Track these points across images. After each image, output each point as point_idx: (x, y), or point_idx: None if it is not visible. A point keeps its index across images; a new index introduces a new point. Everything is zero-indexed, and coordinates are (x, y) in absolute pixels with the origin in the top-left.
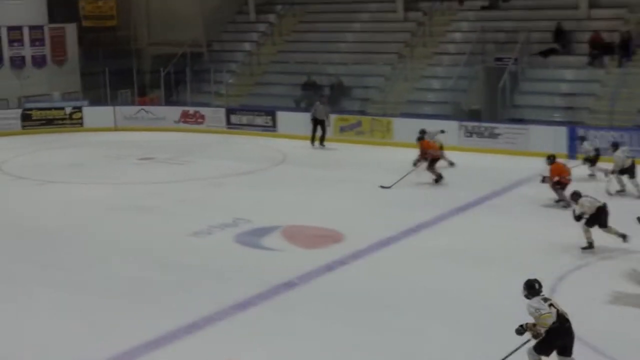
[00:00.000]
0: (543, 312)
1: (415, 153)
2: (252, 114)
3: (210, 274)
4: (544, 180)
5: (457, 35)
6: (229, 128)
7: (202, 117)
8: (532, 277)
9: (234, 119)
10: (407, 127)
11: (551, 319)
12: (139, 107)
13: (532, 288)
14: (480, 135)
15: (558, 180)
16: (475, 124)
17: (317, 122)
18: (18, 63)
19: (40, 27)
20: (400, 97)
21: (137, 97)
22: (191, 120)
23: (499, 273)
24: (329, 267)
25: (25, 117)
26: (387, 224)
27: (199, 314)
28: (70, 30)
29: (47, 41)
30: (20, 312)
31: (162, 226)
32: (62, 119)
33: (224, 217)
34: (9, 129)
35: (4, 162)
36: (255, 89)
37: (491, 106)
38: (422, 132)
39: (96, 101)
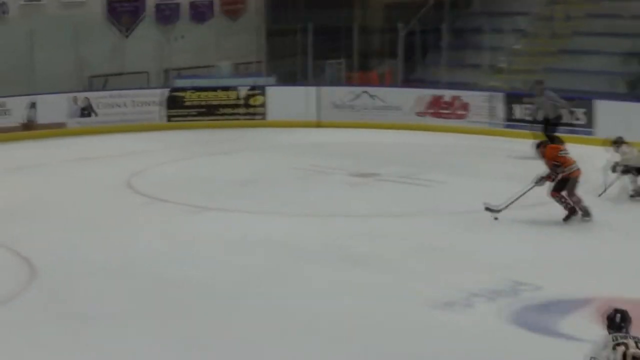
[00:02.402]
0: None
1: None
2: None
3: None
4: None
5: None
6: (507, 127)
7: (465, 106)
8: None
9: (518, 111)
10: None
11: None
12: (359, 89)
13: (611, 321)
14: None
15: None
16: None
17: None
18: (167, 15)
19: None
20: None
21: (355, 72)
22: (445, 112)
23: None
24: None
25: (173, 102)
26: None
27: None
28: None
29: None
30: None
31: (391, 290)
32: (233, 107)
33: (492, 278)
34: (147, 121)
35: (137, 175)
36: (558, 61)
37: None
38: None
39: (288, 78)
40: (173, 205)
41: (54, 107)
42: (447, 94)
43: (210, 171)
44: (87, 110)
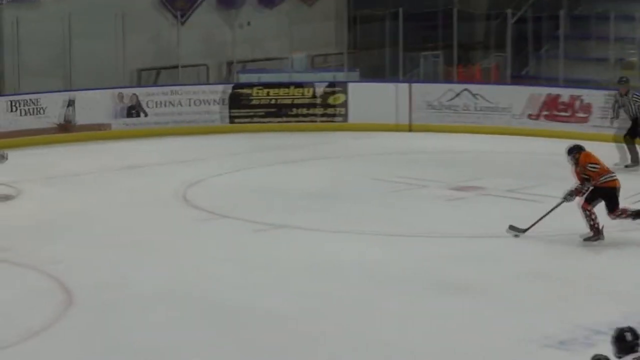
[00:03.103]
0: None
1: None
2: None
3: None
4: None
5: None
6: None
7: (586, 108)
8: None
9: None
10: None
11: None
12: (459, 86)
13: (622, 341)
14: None
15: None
16: None
17: None
18: None
19: None
20: None
21: (454, 66)
22: (563, 114)
23: None
24: None
25: (237, 101)
26: None
27: None
28: None
29: None
30: None
31: (495, 324)
32: (308, 106)
33: (619, 311)
34: (206, 122)
35: (194, 186)
36: None
37: None
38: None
39: (374, 73)
40: (236, 221)
41: (95, 105)
42: (565, 93)
43: (279, 182)
44: (134, 110)
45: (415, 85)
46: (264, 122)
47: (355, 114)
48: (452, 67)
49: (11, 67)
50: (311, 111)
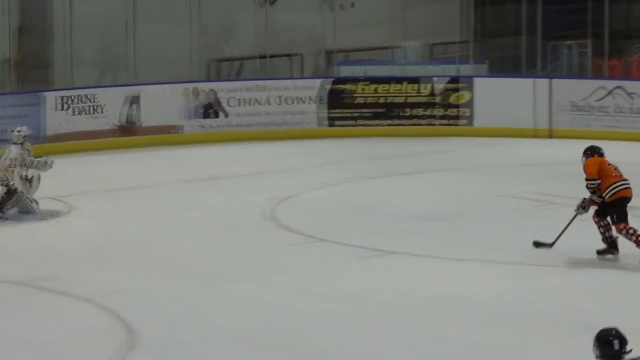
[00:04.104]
0: None
1: None
2: None
3: None
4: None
5: None
6: None
7: None
8: None
9: None
10: None
11: None
12: (611, 83)
13: (608, 345)
14: None
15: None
16: None
17: None
18: None
19: None
20: None
21: (606, 59)
22: None
23: None
24: None
25: (337, 99)
26: None
27: None
28: None
29: None
30: None
31: None
32: (424, 106)
33: None
34: (300, 124)
35: (284, 202)
36: None
37: None
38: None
39: (506, 67)
40: (335, 246)
41: (164, 103)
42: None
43: (388, 199)
44: (212, 109)
45: (556, 82)
46: (370, 126)
47: (482, 116)
48: (602, 59)
49: (62, 55)
50: (428, 112)
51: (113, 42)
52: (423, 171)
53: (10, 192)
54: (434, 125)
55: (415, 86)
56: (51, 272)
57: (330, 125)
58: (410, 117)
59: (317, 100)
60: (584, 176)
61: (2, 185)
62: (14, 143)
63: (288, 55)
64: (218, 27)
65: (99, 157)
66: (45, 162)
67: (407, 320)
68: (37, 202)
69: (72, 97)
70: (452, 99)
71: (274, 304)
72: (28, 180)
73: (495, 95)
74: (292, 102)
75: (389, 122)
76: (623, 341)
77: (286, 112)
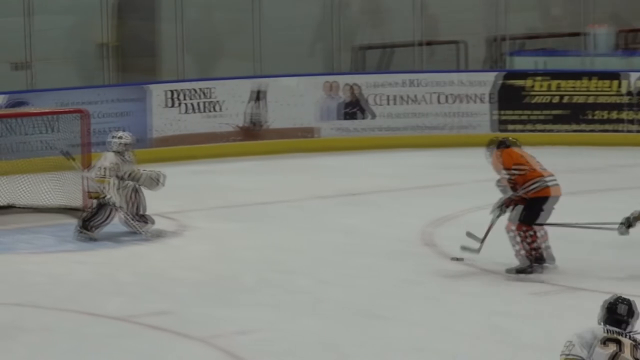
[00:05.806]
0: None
1: None
2: None
3: None
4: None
5: None
6: None
7: None
8: None
9: None
10: None
11: None
12: None
13: (612, 312)
14: None
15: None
16: None
17: None
18: None
19: None
20: None
21: None
22: None
23: None
24: None
25: (508, 97)
26: None
27: None
28: None
29: None
30: None
31: None
32: (617, 108)
33: None
34: (465, 130)
35: (443, 224)
36: None
37: None
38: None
39: None
40: (525, 285)
41: (296, 100)
42: None
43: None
44: (355, 108)
45: None
46: (549, 131)
47: None
48: None
49: (171, 40)
50: (621, 115)
51: (234, 25)
52: (618, 188)
53: (103, 207)
54: (631, 132)
55: (606, 83)
56: (161, 306)
57: (501, 129)
58: (600, 121)
59: (488, 99)
60: None
61: (93, 197)
62: (114, 151)
63: (448, 43)
64: (363, 8)
65: (216, 166)
66: (155, 178)
67: None
68: (145, 221)
69: (184, 92)
70: None
71: (436, 355)
72: (135, 192)
73: None
74: (455, 101)
75: (575, 127)
76: (631, 311)
77: (447, 113)
